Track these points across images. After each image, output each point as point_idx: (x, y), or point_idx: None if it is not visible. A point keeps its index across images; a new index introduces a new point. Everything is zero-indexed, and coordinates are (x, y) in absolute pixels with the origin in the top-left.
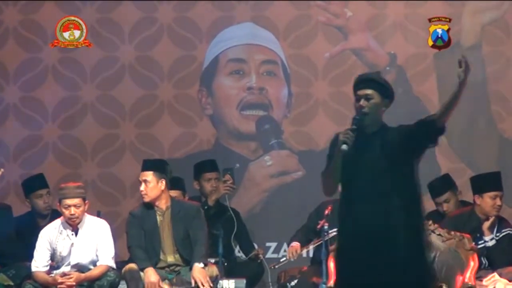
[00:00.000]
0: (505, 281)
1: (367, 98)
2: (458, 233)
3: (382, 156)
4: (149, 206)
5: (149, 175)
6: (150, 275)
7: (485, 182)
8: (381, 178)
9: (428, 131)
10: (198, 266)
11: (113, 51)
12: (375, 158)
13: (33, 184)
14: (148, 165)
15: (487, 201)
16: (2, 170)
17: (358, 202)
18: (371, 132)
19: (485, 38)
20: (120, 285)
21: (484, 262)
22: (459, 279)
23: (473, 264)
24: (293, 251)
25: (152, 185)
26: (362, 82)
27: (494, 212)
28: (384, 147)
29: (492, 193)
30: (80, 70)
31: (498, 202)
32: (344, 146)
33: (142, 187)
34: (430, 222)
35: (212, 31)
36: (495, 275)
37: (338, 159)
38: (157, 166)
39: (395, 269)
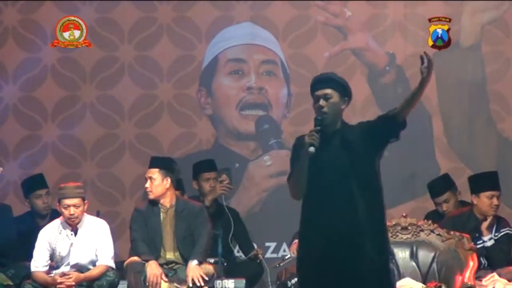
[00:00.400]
0: (505, 281)
1: (326, 97)
2: (457, 233)
3: (344, 153)
4: (154, 203)
5: (155, 173)
6: (153, 267)
7: (481, 182)
8: (343, 176)
9: (389, 125)
10: (192, 263)
11: (113, 51)
12: (336, 156)
13: (33, 184)
14: (155, 162)
15: (484, 201)
16: (1, 168)
17: (322, 201)
18: (332, 131)
19: (484, 38)
20: (119, 285)
21: (483, 262)
22: (458, 279)
23: (472, 264)
24: (296, 247)
25: (157, 183)
26: (319, 82)
27: (492, 212)
28: (345, 144)
29: (488, 193)
30: (80, 70)
31: (495, 201)
32: (311, 149)
33: (147, 184)
34: (430, 222)
35: (212, 31)
36: (495, 275)
37: (305, 162)
38: (164, 164)
39: (359, 267)
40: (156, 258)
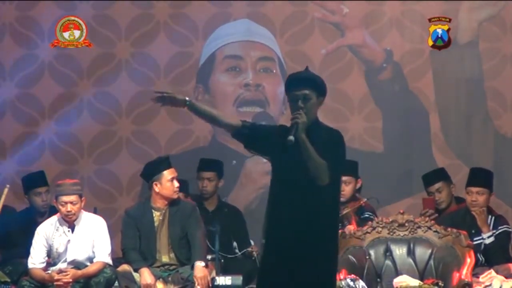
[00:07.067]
0: (502, 277)
1: (305, 98)
2: (454, 230)
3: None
4: (146, 205)
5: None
6: (146, 276)
7: (468, 178)
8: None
9: None
10: (200, 265)
11: (110, 47)
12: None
13: (33, 181)
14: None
15: (466, 197)
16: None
17: (287, 195)
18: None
19: (481, 34)
20: (116, 282)
21: (480, 259)
22: (456, 275)
23: (469, 260)
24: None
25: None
26: (298, 81)
27: (472, 208)
28: (314, 144)
29: (468, 189)
30: (77, 67)
31: (473, 198)
32: (291, 137)
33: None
34: (427, 219)
35: (209, 28)
36: (492, 272)
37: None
38: None
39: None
40: (151, 263)
